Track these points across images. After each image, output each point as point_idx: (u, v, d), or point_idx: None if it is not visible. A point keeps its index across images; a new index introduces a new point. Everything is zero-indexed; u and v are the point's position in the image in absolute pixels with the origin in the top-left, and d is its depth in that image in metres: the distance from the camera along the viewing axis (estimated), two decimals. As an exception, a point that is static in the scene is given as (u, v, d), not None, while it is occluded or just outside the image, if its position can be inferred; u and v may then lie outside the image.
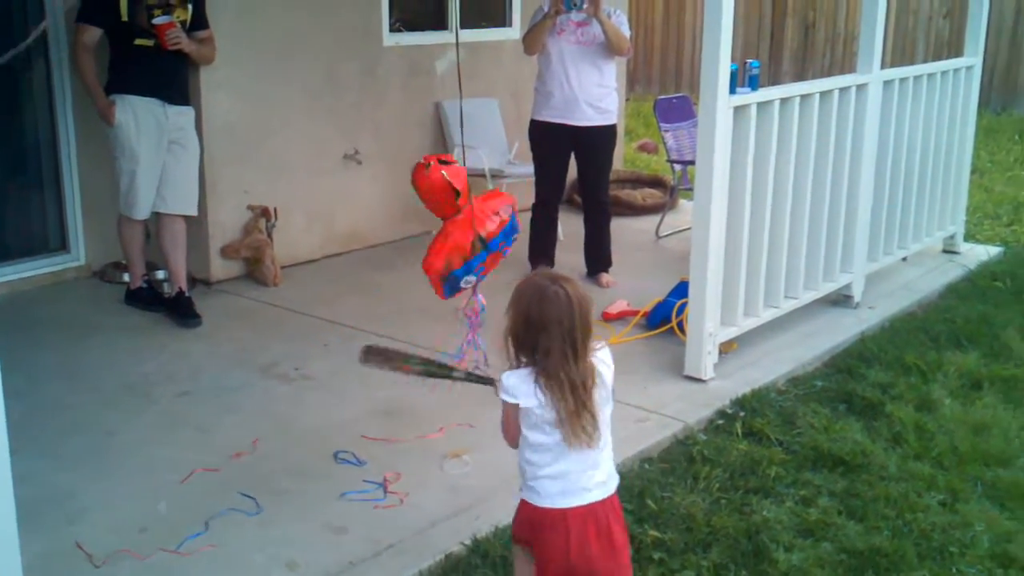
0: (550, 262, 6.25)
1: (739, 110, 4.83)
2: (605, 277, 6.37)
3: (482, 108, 7.45)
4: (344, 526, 3.61)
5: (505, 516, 3.21)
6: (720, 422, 4.49)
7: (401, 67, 7.20)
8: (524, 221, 6.26)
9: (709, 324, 4.84)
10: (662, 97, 8.22)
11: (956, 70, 6.74)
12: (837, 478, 4.04)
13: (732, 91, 4.73)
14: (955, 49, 12.37)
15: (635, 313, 5.65)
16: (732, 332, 5.10)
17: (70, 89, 6.08)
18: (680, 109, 8.01)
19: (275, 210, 6.40)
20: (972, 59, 6.93)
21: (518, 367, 2.73)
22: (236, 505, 3.72)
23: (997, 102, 13.29)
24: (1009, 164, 10.64)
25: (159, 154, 5.55)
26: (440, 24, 7.58)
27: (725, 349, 5.07)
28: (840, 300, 5.92)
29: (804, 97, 5.27)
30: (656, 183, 8.79)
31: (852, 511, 3.80)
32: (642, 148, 11.44)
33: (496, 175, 7.12)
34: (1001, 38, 13.15)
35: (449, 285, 3.78)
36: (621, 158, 9.22)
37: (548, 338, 2.63)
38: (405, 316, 5.66)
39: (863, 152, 5.73)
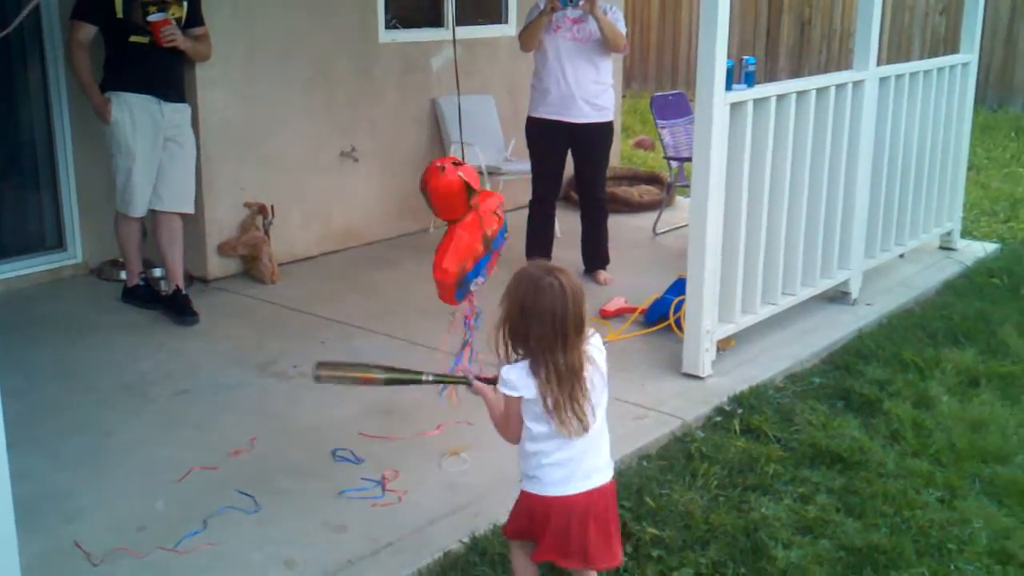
0: (547, 259, 6.24)
1: (735, 107, 4.83)
2: (602, 274, 6.37)
3: (478, 105, 7.45)
4: (342, 524, 3.60)
5: (504, 514, 3.21)
6: (718, 419, 4.49)
7: (397, 64, 7.19)
8: (519, 219, 6.30)
9: (707, 321, 4.84)
10: (658, 94, 8.23)
11: (952, 67, 6.75)
12: (835, 475, 4.04)
13: (728, 88, 4.73)
14: (951, 46, 12.38)
15: (633, 310, 5.65)
16: (730, 329, 5.10)
17: (66, 87, 6.07)
18: (676, 106, 8.01)
19: (272, 207, 6.39)
20: (968, 56, 6.94)
21: (510, 359, 2.79)
22: (234, 503, 3.72)
23: (993, 99, 13.30)
24: (1005, 161, 10.65)
25: (155, 151, 5.54)
26: (436, 21, 7.57)
27: (723, 346, 5.07)
28: (837, 297, 5.93)
29: (800, 94, 5.27)
30: (653, 180, 8.79)
31: (850, 508, 3.80)
32: (639, 145, 11.44)
33: (493, 172, 7.12)
34: (997, 35, 13.16)
35: (461, 290, 3.71)
36: (618, 155, 9.22)
37: (543, 328, 2.69)
38: (403, 314, 5.66)
39: (860, 149, 5.73)
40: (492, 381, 3.04)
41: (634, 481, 3.87)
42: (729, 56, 4.68)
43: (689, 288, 4.88)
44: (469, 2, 7.83)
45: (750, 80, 5.01)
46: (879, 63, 5.87)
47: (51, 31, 5.98)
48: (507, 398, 2.80)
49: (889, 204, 6.25)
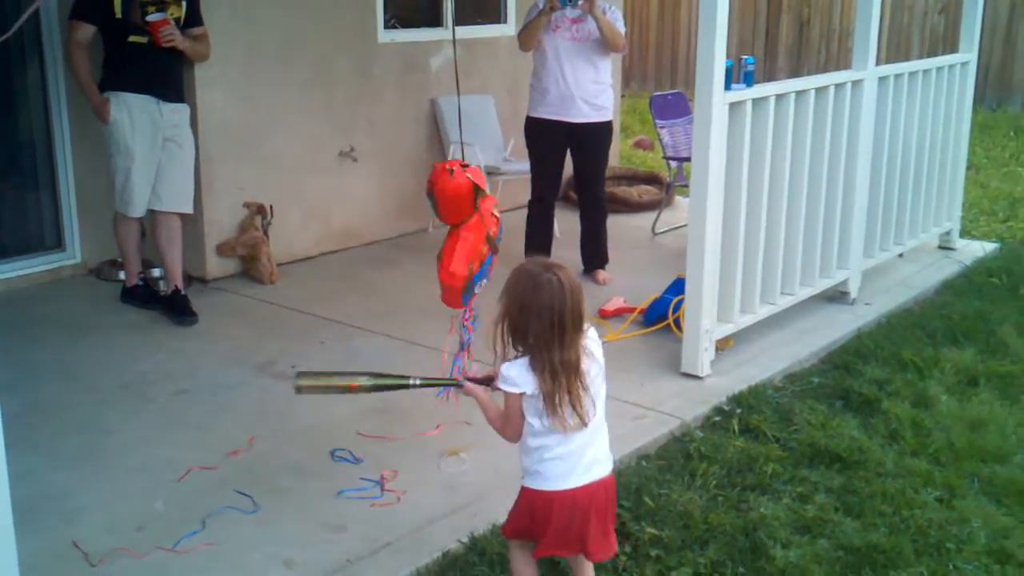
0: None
1: (735, 106, 4.83)
2: (602, 274, 6.37)
3: (478, 105, 7.45)
4: (341, 524, 3.60)
5: (503, 514, 3.21)
6: (717, 419, 4.49)
7: (396, 64, 7.19)
8: (519, 218, 6.30)
9: (706, 321, 4.84)
10: (658, 94, 8.22)
11: (951, 66, 6.75)
12: (834, 475, 4.04)
13: (727, 87, 4.73)
14: (950, 45, 12.38)
15: (632, 310, 5.65)
16: (728, 329, 5.10)
17: (64, 87, 6.07)
18: (676, 105, 8.01)
19: (271, 207, 6.39)
20: (967, 55, 6.94)
21: (507, 355, 2.81)
22: (233, 503, 3.72)
23: (992, 98, 13.31)
24: (1004, 160, 10.65)
25: (154, 151, 5.54)
26: (435, 21, 7.57)
27: (722, 346, 5.07)
28: (836, 296, 5.93)
29: (799, 93, 5.27)
30: (652, 180, 8.79)
31: (849, 508, 3.80)
32: (638, 145, 11.44)
33: (492, 172, 7.12)
34: (996, 34, 13.16)
35: (467, 293, 3.69)
36: (617, 155, 9.22)
37: (541, 324, 2.72)
38: (402, 314, 5.66)
39: (859, 148, 5.73)
40: (483, 381, 3.05)
41: (633, 481, 3.87)
42: (728, 56, 4.68)
43: (688, 288, 4.88)
44: (468, 2, 7.83)
45: (749, 80, 5.01)
46: (878, 63, 5.87)
47: (50, 31, 5.98)
48: (508, 395, 2.82)
49: (888, 203, 6.25)
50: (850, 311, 5.82)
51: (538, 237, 6.37)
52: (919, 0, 13.80)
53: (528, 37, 6.08)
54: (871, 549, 3.51)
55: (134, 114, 5.44)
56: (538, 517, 2.87)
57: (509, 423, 2.88)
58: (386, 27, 7.13)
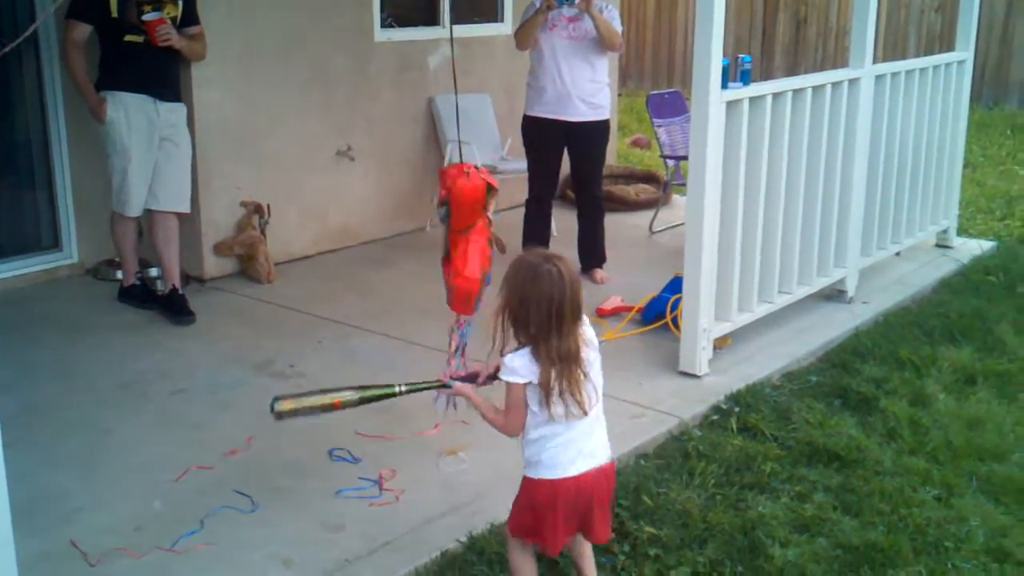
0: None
1: (731, 105, 4.83)
2: (599, 273, 6.37)
3: (475, 103, 7.45)
4: (340, 523, 3.60)
5: (501, 513, 3.21)
6: (715, 418, 4.49)
7: (393, 63, 7.19)
8: (516, 217, 6.30)
9: (703, 320, 4.84)
10: (654, 92, 8.23)
11: (948, 64, 6.75)
12: (832, 473, 4.05)
13: (724, 86, 4.73)
14: (947, 43, 12.39)
15: (629, 309, 5.65)
16: (726, 327, 5.10)
17: (61, 86, 6.06)
18: (672, 104, 8.02)
19: (268, 207, 6.38)
20: (964, 53, 6.94)
21: (506, 346, 2.86)
22: (231, 503, 3.72)
23: (989, 96, 13.32)
24: (1001, 158, 10.66)
25: (151, 151, 5.53)
26: (432, 20, 7.57)
27: (719, 345, 5.07)
28: (834, 295, 5.93)
29: (796, 92, 5.27)
30: (649, 178, 8.79)
31: (847, 506, 3.80)
32: (635, 144, 11.44)
33: (489, 171, 7.09)
34: (992, 32, 13.18)
35: (478, 297, 3.67)
36: (614, 153, 9.22)
37: (541, 315, 2.77)
38: (400, 313, 5.66)
39: (856, 146, 5.73)
40: (468, 379, 3.07)
41: (631, 480, 3.87)
42: (725, 54, 4.68)
43: (686, 286, 4.88)
44: (465, 0, 7.82)
45: (746, 78, 5.01)
46: (875, 61, 5.87)
47: (46, 31, 5.97)
48: (512, 386, 2.86)
49: (885, 202, 6.26)
50: (848, 310, 5.82)
51: (535, 236, 6.35)
52: (915, -2, 13.83)
53: (525, 36, 6.08)
54: (869, 548, 3.51)
55: (131, 114, 5.44)
56: (542, 507, 2.91)
57: (512, 415, 2.90)
58: (383, 26, 7.12)
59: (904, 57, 12.18)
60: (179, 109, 5.66)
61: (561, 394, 2.80)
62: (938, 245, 7.16)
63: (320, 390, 3.22)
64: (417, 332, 5.20)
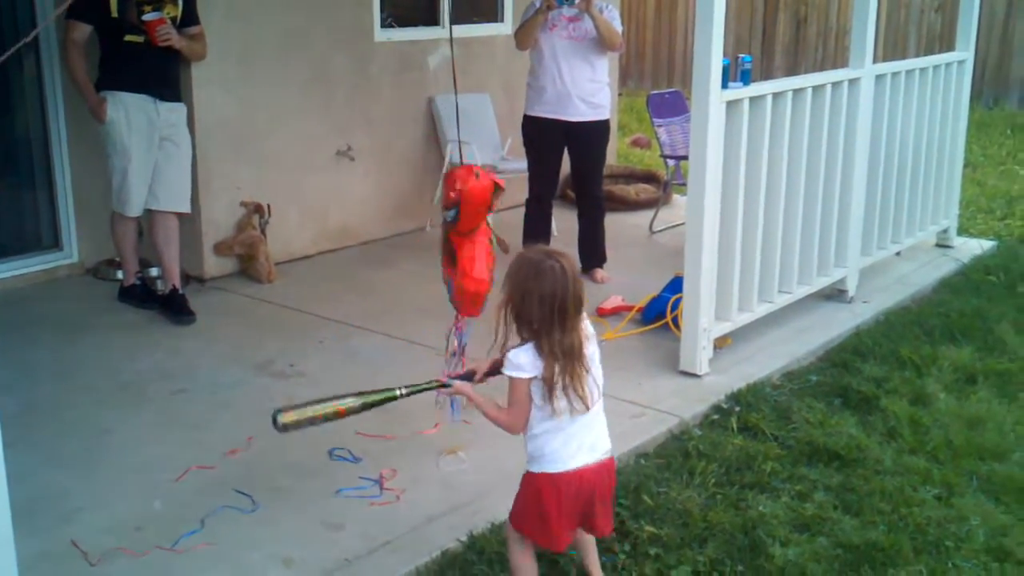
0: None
1: (731, 105, 4.83)
2: (599, 273, 6.37)
3: (475, 103, 7.45)
4: (340, 523, 3.60)
5: (502, 512, 3.21)
6: (715, 417, 4.49)
7: (393, 63, 7.18)
8: (516, 217, 6.30)
9: (704, 319, 4.84)
10: (655, 92, 8.23)
11: (948, 64, 6.75)
12: (832, 473, 4.05)
13: (724, 86, 4.73)
14: (947, 43, 12.39)
15: (629, 309, 5.65)
16: (727, 327, 5.10)
17: (61, 86, 6.06)
18: (673, 104, 8.02)
19: (268, 206, 6.38)
20: (964, 53, 6.94)
21: (510, 342, 2.88)
22: (232, 503, 3.71)
23: (989, 96, 13.32)
24: (1001, 158, 10.66)
25: (151, 151, 5.53)
26: (432, 20, 7.56)
27: (720, 344, 5.07)
28: (834, 294, 5.93)
29: (796, 92, 5.27)
30: (649, 178, 8.79)
31: (848, 506, 3.80)
32: (635, 143, 11.44)
33: (489, 171, 7.10)
34: (992, 32, 13.18)
35: (486, 298, 3.65)
36: (614, 153, 9.22)
37: (544, 310, 2.80)
38: (400, 313, 5.66)
39: (856, 146, 5.73)
40: (465, 377, 3.08)
41: (632, 479, 3.87)
42: (725, 54, 4.68)
43: (686, 286, 4.88)
44: (465, 0, 7.82)
45: (746, 78, 5.00)
46: (875, 61, 5.87)
47: (47, 31, 5.96)
48: (516, 381, 2.88)
49: (885, 202, 6.26)
50: (848, 309, 5.82)
51: (536, 235, 6.34)
52: (916, -2, 13.83)
53: (525, 36, 6.08)
54: (870, 547, 3.51)
55: (131, 113, 5.43)
56: (545, 501, 2.92)
57: (516, 411, 2.92)
58: (383, 26, 7.12)
59: (904, 57, 12.18)
60: (179, 109, 5.66)
61: (564, 389, 2.83)
62: (938, 245, 7.16)
63: (320, 399, 3.19)
64: (418, 332, 5.20)
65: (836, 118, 5.57)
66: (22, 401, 4.52)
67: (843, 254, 5.86)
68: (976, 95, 9.89)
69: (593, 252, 6.42)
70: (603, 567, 3.28)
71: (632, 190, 8.38)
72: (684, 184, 6.24)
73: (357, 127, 7.01)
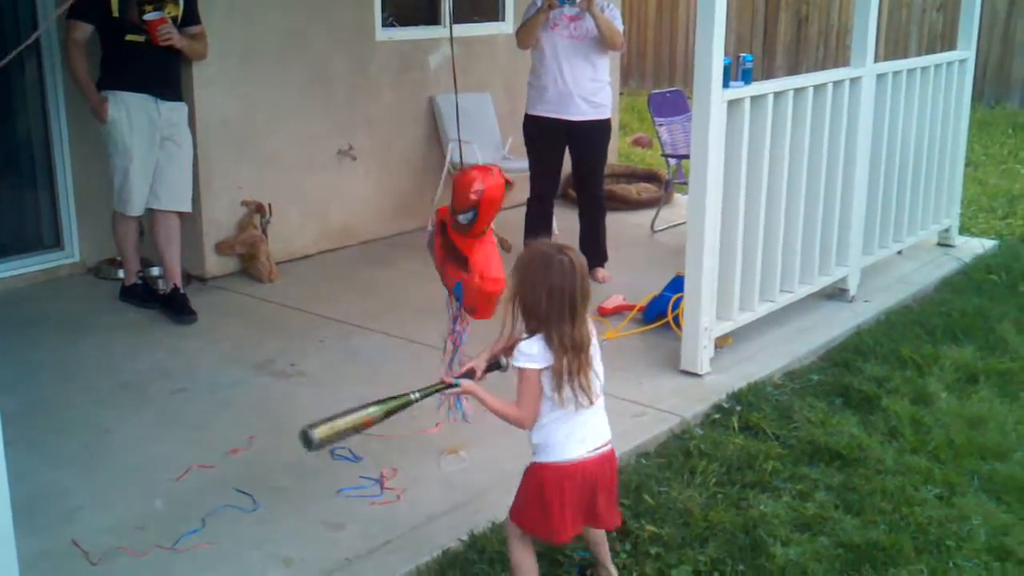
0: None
1: (733, 104, 4.83)
2: (601, 272, 6.37)
3: (476, 102, 7.44)
4: (341, 522, 3.60)
5: (503, 511, 3.21)
6: (716, 416, 4.49)
7: (394, 62, 7.18)
8: (518, 216, 6.29)
9: (705, 319, 4.84)
10: (656, 91, 8.22)
11: (949, 63, 6.75)
12: (834, 472, 4.04)
13: (726, 85, 4.72)
14: (948, 42, 12.37)
15: (631, 308, 5.65)
16: (728, 327, 5.10)
17: (62, 86, 6.06)
18: (674, 103, 8.01)
19: (269, 206, 6.38)
20: (965, 52, 6.93)
21: (517, 334, 2.94)
22: (232, 502, 3.72)
23: (990, 95, 13.30)
24: (1003, 157, 10.65)
25: (152, 150, 5.53)
26: (433, 19, 7.56)
27: (721, 344, 5.07)
28: (835, 294, 5.93)
29: (798, 91, 5.27)
30: (651, 177, 8.79)
31: (849, 505, 3.80)
32: (636, 142, 11.44)
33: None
34: (994, 31, 13.16)
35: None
36: (616, 152, 9.22)
37: (553, 303, 2.86)
38: (400, 312, 5.66)
39: (857, 145, 5.73)
40: (467, 375, 3.10)
41: (632, 479, 3.87)
42: (726, 53, 4.68)
43: (687, 285, 4.87)
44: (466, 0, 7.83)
45: (747, 77, 5.00)
46: (876, 60, 5.87)
47: (48, 31, 5.96)
48: (526, 372, 2.91)
49: (887, 201, 6.25)
50: (849, 308, 5.82)
51: (537, 235, 6.26)
52: (917, -3, 13.82)
53: (526, 35, 6.07)
54: (871, 546, 3.51)
55: (132, 113, 5.44)
56: (549, 491, 2.95)
57: (527, 403, 2.94)
58: (384, 25, 7.12)
59: (906, 56, 12.18)
60: (180, 108, 5.66)
61: (571, 381, 2.88)
62: (940, 244, 7.16)
63: (346, 411, 3.12)
64: (418, 331, 5.19)
65: (837, 117, 5.57)
66: (23, 400, 4.52)
67: (844, 253, 5.85)
68: (977, 94, 9.89)
69: (594, 251, 6.41)
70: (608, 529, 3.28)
71: (633, 189, 8.38)
72: (685, 183, 6.24)
73: (358, 126, 7.01)
